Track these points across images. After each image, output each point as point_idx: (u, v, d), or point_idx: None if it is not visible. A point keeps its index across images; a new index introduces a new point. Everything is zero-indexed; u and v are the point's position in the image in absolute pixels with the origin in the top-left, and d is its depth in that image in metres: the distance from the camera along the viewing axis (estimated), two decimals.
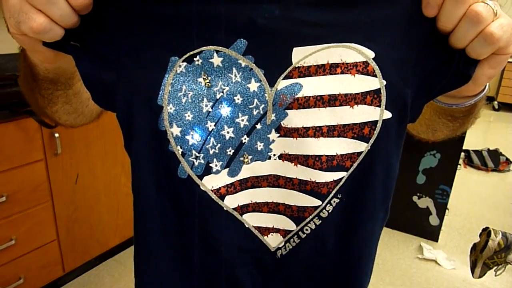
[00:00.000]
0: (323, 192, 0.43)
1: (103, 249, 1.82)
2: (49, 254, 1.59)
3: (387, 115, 0.41)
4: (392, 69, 0.40)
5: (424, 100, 0.43)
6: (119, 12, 0.39)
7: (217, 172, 0.43)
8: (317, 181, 0.43)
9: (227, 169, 0.43)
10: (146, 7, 0.39)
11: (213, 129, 0.42)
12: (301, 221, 0.45)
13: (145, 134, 0.41)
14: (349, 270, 0.47)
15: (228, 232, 0.45)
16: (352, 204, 0.44)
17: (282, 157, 0.43)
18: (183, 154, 0.42)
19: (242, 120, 0.42)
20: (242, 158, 0.43)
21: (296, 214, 0.45)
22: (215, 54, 0.40)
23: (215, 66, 0.40)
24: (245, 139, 0.43)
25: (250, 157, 0.43)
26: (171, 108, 0.41)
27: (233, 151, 0.43)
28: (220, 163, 0.43)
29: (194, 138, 0.42)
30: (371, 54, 0.40)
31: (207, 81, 0.41)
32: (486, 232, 1.57)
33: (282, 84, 0.41)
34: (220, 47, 0.40)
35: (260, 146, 0.43)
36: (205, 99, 0.41)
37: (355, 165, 0.43)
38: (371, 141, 0.42)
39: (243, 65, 0.40)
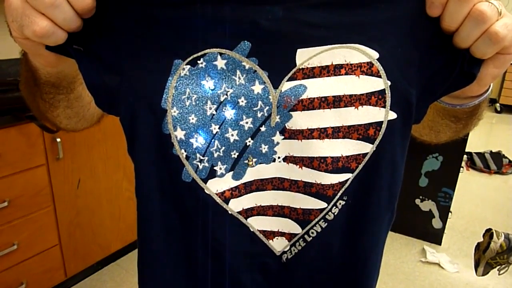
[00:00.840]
0: (328, 194, 0.43)
1: (105, 254, 1.82)
2: (51, 259, 1.59)
3: (392, 115, 0.41)
4: (396, 69, 0.40)
5: (429, 101, 0.43)
6: (122, 16, 0.39)
7: (222, 175, 0.43)
8: (322, 183, 0.43)
9: (231, 172, 0.43)
10: (149, 11, 0.39)
11: (217, 132, 0.42)
12: (306, 224, 0.44)
13: (149, 137, 0.41)
14: (355, 273, 0.46)
15: (233, 236, 0.45)
16: (358, 206, 0.44)
17: (287, 159, 0.43)
18: (187, 158, 0.41)
19: (247, 123, 0.42)
20: (246, 161, 0.43)
21: (302, 217, 0.44)
22: (218, 57, 0.40)
23: (219, 68, 0.40)
24: (249, 141, 0.42)
25: (254, 159, 0.43)
26: (175, 111, 0.40)
27: (237, 154, 0.43)
28: (225, 166, 0.43)
29: (198, 141, 0.41)
30: (375, 54, 0.40)
31: (211, 84, 0.41)
32: (488, 234, 1.57)
33: (286, 86, 0.41)
34: (224, 50, 0.40)
35: (264, 148, 0.43)
36: (209, 102, 0.41)
37: (360, 166, 0.42)
38: (377, 142, 0.42)
39: (247, 67, 0.40)
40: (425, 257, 2.06)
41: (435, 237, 2.19)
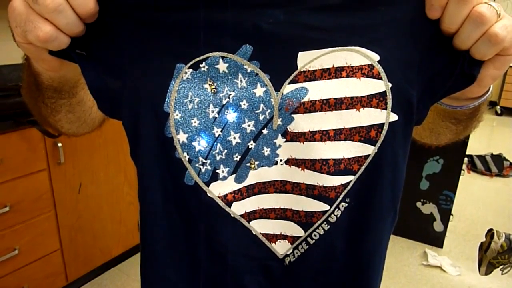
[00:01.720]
0: (331, 196, 0.43)
1: (106, 258, 1.82)
2: (52, 263, 1.58)
3: (394, 117, 0.41)
4: (397, 71, 0.40)
5: (430, 102, 0.43)
6: (124, 20, 0.39)
7: (224, 178, 0.43)
8: (324, 185, 0.43)
9: (234, 175, 0.43)
10: (151, 15, 0.39)
11: (219, 135, 0.42)
12: (309, 226, 0.44)
13: (152, 141, 0.41)
14: (358, 275, 0.46)
15: (235, 239, 0.45)
16: (361, 208, 0.44)
17: (289, 162, 0.43)
18: (189, 161, 0.42)
19: (249, 126, 0.42)
20: (248, 164, 0.43)
21: (304, 219, 0.44)
22: (220, 60, 0.40)
23: (220, 72, 0.41)
24: (251, 144, 0.42)
25: (257, 162, 0.43)
26: (177, 115, 0.41)
27: (239, 157, 0.43)
28: (227, 169, 0.43)
29: (201, 144, 0.42)
30: (375, 57, 0.40)
31: (213, 87, 0.41)
32: (490, 234, 1.58)
33: (288, 88, 0.41)
34: (226, 53, 0.40)
35: (266, 151, 0.43)
36: (211, 105, 0.41)
37: (362, 168, 0.42)
38: (378, 144, 0.42)
39: (248, 70, 0.40)
40: (427, 260, 2.06)
41: (437, 240, 2.18)
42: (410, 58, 0.40)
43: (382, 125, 0.41)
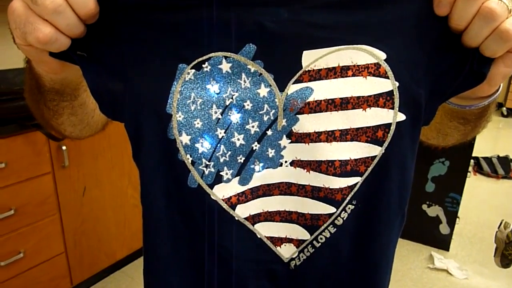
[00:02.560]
0: (337, 198, 0.42)
1: (110, 262, 1.81)
2: (57, 267, 1.59)
3: (401, 117, 0.40)
4: (404, 70, 0.39)
5: (438, 102, 0.42)
6: (125, 21, 0.39)
7: (228, 180, 0.42)
8: (330, 187, 0.42)
9: (238, 178, 0.42)
10: (153, 15, 0.39)
11: (223, 136, 0.41)
12: (315, 229, 0.44)
13: (154, 143, 0.41)
14: (366, 279, 0.45)
15: (240, 243, 0.44)
16: (368, 210, 0.43)
17: (294, 163, 0.42)
18: (193, 163, 0.41)
19: (253, 127, 0.41)
20: (253, 166, 0.42)
21: (310, 222, 0.43)
22: (223, 60, 0.39)
23: (224, 72, 0.40)
24: (256, 146, 0.42)
25: (261, 164, 0.42)
26: (180, 116, 0.40)
27: (243, 158, 0.42)
28: (231, 171, 0.42)
29: (204, 146, 0.41)
30: (382, 55, 0.39)
31: (216, 87, 0.40)
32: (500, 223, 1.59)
33: (292, 88, 0.40)
34: (229, 53, 0.39)
35: (271, 152, 0.42)
36: (214, 106, 0.40)
37: (369, 169, 0.42)
38: (385, 144, 0.41)
39: (252, 70, 0.40)
40: (433, 263, 2.04)
41: (443, 243, 2.16)
42: (417, 56, 0.39)
43: (389, 125, 0.40)
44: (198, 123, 0.40)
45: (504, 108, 5.04)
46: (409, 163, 0.43)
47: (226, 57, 0.39)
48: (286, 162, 0.43)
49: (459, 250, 2.18)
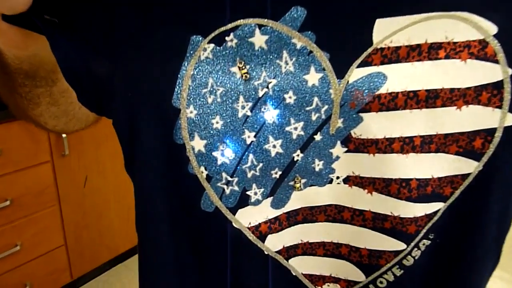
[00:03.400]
0: (409, 231, 0.32)
1: (112, 255, 1.79)
2: (56, 260, 1.56)
3: (511, 120, 0.30)
4: None
5: None
6: None
7: (257, 202, 0.33)
8: (401, 215, 0.32)
9: (270, 198, 0.33)
10: None
11: (252, 141, 0.31)
12: (373, 270, 0.35)
13: (155, 150, 0.32)
14: None
15: (269, 283, 0.35)
16: (449, 248, 0.33)
17: (350, 180, 0.32)
18: (208, 178, 0.32)
19: (295, 129, 0.31)
20: (292, 183, 0.33)
21: (367, 260, 0.34)
22: (257, 31, 0.30)
23: (256, 48, 0.30)
24: (298, 155, 0.32)
25: (303, 180, 0.33)
26: (191, 112, 0.30)
27: (280, 172, 0.32)
28: (262, 190, 0.32)
29: (225, 155, 0.31)
30: (492, 28, 0.28)
31: (245, 71, 0.30)
32: None
33: (356, 74, 0.29)
34: (265, 20, 0.29)
35: (318, 165, 0.32)
36: (241, 98, 0.30)
37: (457, 192, 0.32)
38: (485, 158, 0.31)
39: (298, 46, 0.30)
40: None
41: None
42: None
43: (493, 131, 0.30)
44: (217, 123, 0.30)
45: None
46: None
47: (260, 26, 0.29)
48: (338, 178, 0.33)
49: None
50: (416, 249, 0.33)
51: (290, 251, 0.35)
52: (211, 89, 0.30)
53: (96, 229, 1.67)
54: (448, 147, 0.30)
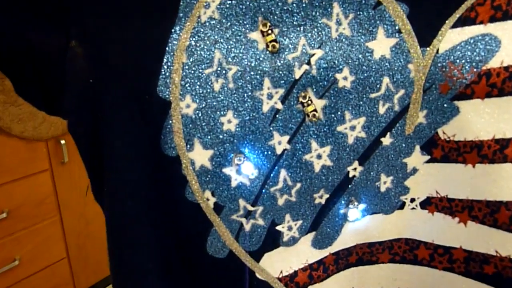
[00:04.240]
0: None
1: None
2: (59, 273, 1.52)
3: None
4: None
5: None
6: None
7: (292, 241, 0.23)
8: None
9: (312, 235, 0.23)
10: None
11: (285, 150, 0.21)
12: None
13: (133, 166, 0.22)
14: None
15: None
16: None
17: (432, 204, 0.22)
18: (218, 208, 0.22)
19: (352, 128, 0.20)
20: (344, 210, 0.24)
21: None
22: None
23: (289, 2, 0.19)
24: (354, 169, 0.22)
25: (361, 206, 0.23)
26: (188, 106, 0.20)
27: (326, 196, 0.22)
28: (299, 222, 0.22)
29: (244, 172, 0.21)
30: None
31: (272, 37, 0.19)
32: None
33: (450, 38, 0.19)
34: None
35: (385, 182, 0.22)
36: (267, 82, 0.20)
37: None
38: None
39: None
40: None
41: None
42: None
43: None
44: (229, 122, 0.20)
45: None
46: None
47: None
48: (413, 201, 0.23)
49: None
50: None
51: None
52: (219, 68, 0.19)
53: (100, 239, 1.63)
54: None
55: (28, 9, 0.21)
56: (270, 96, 0.20)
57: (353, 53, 0.20)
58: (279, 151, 0.21)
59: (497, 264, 0.23)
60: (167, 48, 0.20)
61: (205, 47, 0.20)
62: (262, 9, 0.19)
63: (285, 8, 0.19)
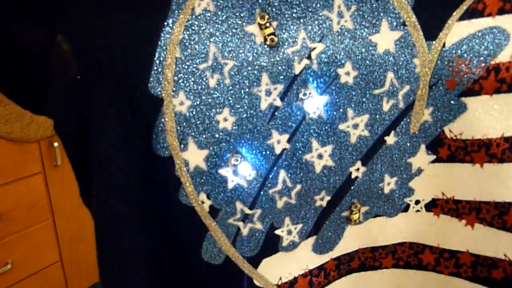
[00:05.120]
0: None
1: None
2: (51, 277, 1.51)
3: None
4: None
5: None
6: None
7: (292, 246, 0.22)
8: None
9: (312, 239, 0.22)
10: None
11: (284, 149, 0.20)
12: None
13: (122, 167, 0.20)
14: None
15: None
16: None
17: (437, 206, 0.22)
18: (213, 212, 0.21)
19: (355, 127, 0.20)
20: (346, 213, 0.22)
21: None
22: None
23: None
24: (357, 170, 0.21)
25: (364, 209, 0.22)
26: (182, 103, 0.19)
27: (328, 198, 0.21)
28: (299, 226, 0.21)
29: (240, 173, 0.20)
30: None
31: (270, 30, 0.19)
32: None
33: (458, 31, 0.18)
34: None
35: (389, 183, 0.21)
36: (265, 78, 0.19)
37: None
38: None
39: None
40: None
41: None
42: None
43: None
44: (225, 120, 0.19)
45: None
46: None
47: None
48: (418, 203, 0.22)
49: None
50: None
51: None
52: (214, 63, 0.18)
53: (93, 243, 1.61)
54: None
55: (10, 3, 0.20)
56: (268, 93, 0.19)
57: (356, 47, 0.19)
58: (278, 150, 0.20)
59: (506, 269, 0.22)
60: (159, 42, 0.18)
61: (200, 41, 0.19)
62: (260, 1, 0.18)
63: (284, 1, 0.18)
